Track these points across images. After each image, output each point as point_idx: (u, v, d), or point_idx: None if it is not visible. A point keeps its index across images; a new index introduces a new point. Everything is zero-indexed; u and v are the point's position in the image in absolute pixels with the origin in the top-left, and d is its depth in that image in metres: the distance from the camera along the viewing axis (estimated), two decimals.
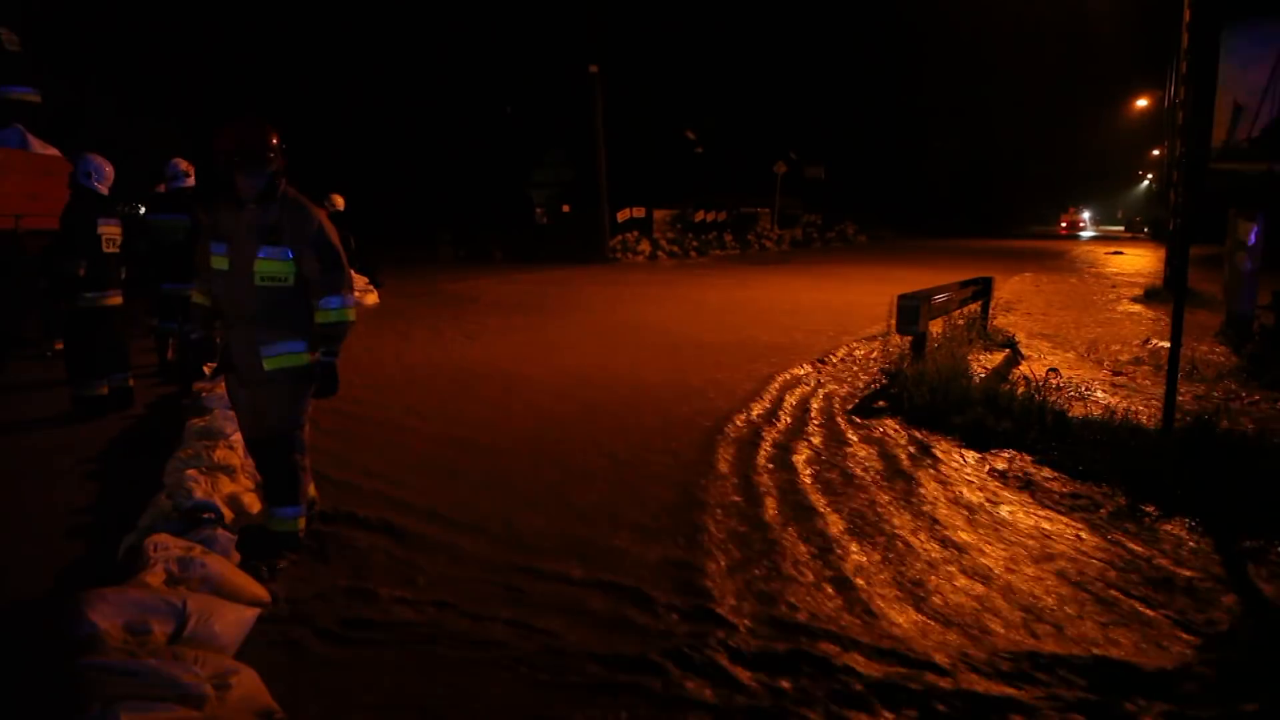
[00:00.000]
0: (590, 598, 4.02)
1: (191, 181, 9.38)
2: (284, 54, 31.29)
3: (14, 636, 3.63)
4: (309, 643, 3.57)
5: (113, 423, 7.22)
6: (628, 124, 33.51)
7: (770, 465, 6.01)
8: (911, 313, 8.32)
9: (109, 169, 7.46)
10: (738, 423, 7.12)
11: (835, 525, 4.92)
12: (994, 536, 4.78)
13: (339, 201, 15.53)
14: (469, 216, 31.52)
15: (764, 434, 6.77)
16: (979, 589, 4.13)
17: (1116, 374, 9.07)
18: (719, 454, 6.25)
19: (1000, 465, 6.00)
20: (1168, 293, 15.49)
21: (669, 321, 13.51)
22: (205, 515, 4.39)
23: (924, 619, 3.83)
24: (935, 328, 9.50)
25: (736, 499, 5.33)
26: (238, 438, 5.61)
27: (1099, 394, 8.06)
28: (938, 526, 4.92)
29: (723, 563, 4.40)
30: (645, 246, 30.46)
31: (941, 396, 7.10)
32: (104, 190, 7.42)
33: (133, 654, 2.74)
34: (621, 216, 30.77)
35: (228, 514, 4.60)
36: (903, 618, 3.83)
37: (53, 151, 8.13)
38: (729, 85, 44.78)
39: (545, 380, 8.86)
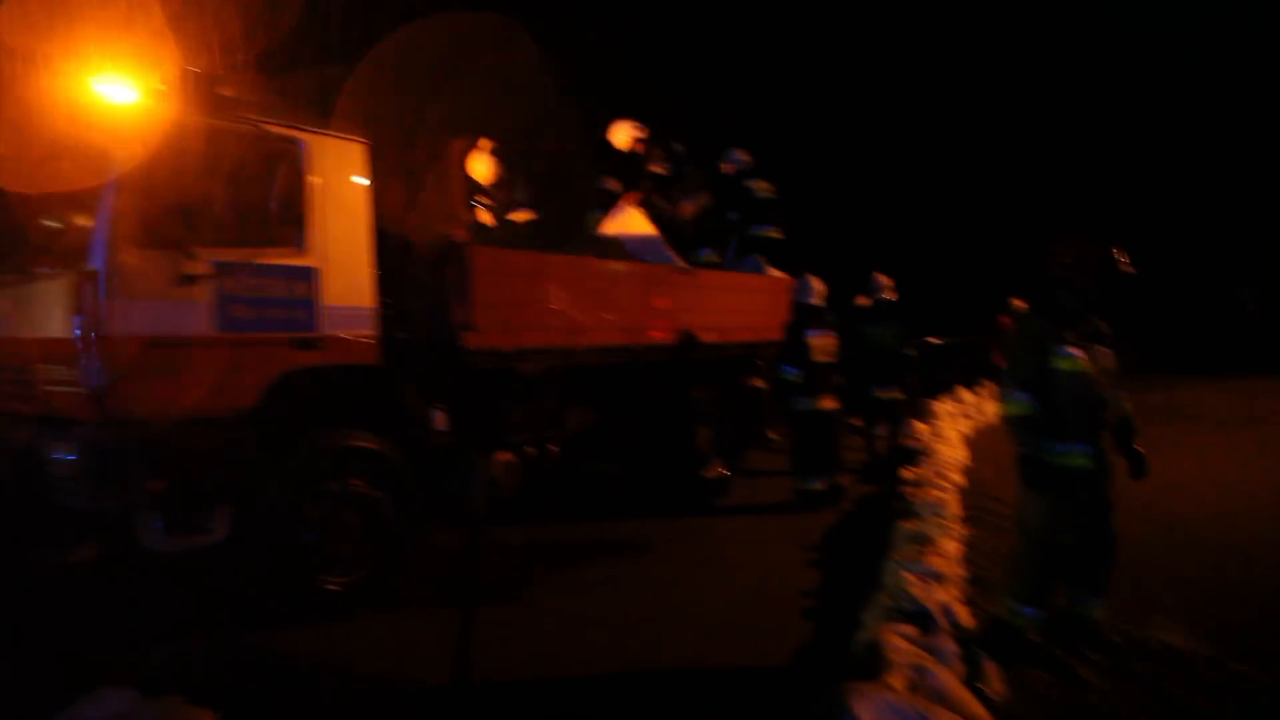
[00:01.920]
0: None
1: (891, 295, 10.18)
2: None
3: (765, 702, 4.11)
4: None
5: (826, 515, 7.93)
6: None
7: None
8: None
9: (818, 285, 8.47)
10: None
11: None
12: None
13: None
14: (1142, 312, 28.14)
15: None
16: None
17: None
18: None
19: None
20: None
21: None
22: (928, 621, 4.47)
23: None
24: None
25: None
26: (947, 545, 5.70)
27: None
28: None
29: None
30: None
31: None
32: (816, 303, 8.40)
33: None
34: None
35: (943, 624, 4.63)
36: None
37: (782, 275, 9.53)
38: None
39: None
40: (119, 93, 4.80)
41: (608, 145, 9.04)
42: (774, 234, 9.45)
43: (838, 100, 28.33)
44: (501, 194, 7.87)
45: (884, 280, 10.45)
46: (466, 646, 3.94)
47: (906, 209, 29.97)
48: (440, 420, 6.02)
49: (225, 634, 4.96)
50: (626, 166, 8.84)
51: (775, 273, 9.49)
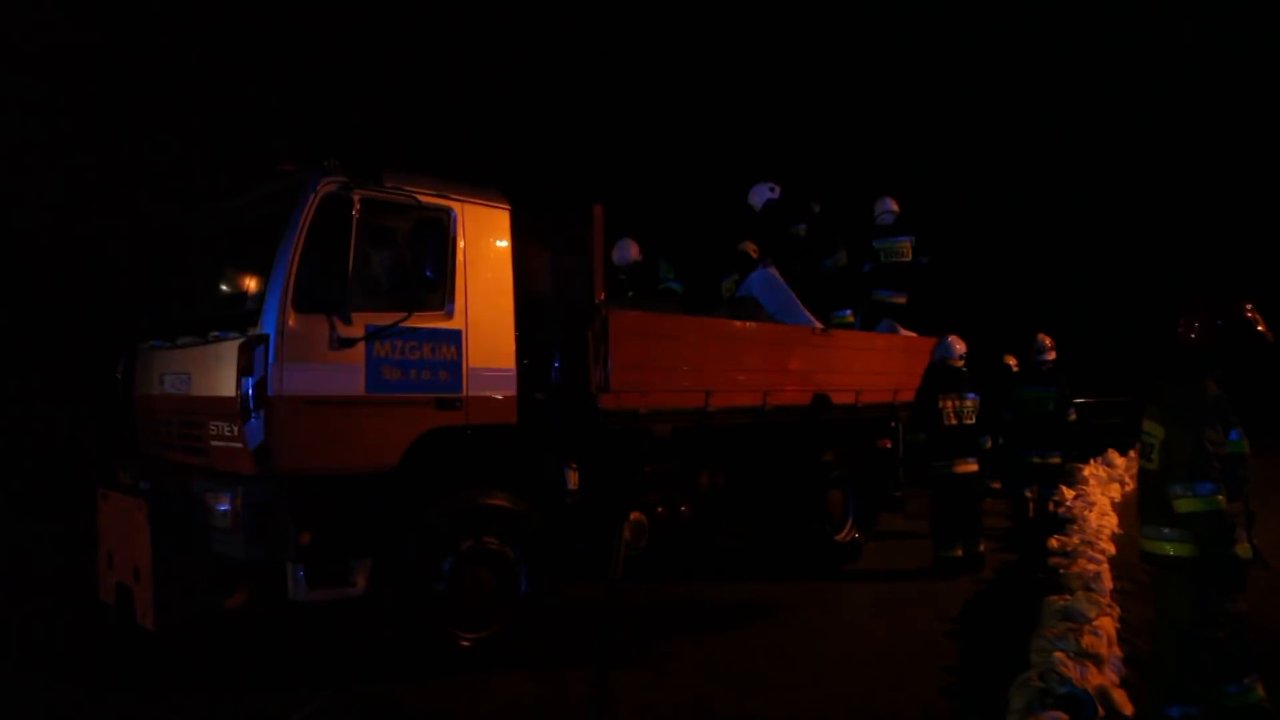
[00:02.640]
0: None
1: (1052, 355, 9.80)
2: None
3: None
4: None
5: (965, 584, 7.60)
6: None
7: None
8: None
9: (960, 346, 8.23)
10: None
11: None
12: None
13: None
14: None
15: None
16: None
17: None
18: None
19: None
20: None
21: None
22: (1084, 707, 4.20)
23: None
24: None
25: None
26: (1102, 623, 5.36)
27: None
28: None
29: None
30: None
31: None
32: (955, 364, 8.15)
33: None
34: None
35: (1099, 710, 4.34)
36: None
37: (912, 334, 9.33)
38: None
39: None
40: (292, 169, 5.17)
41: (746, 206, 9.11)
42: (898, 300, 9.24)
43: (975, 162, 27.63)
44: (647, 274, 8.08)
45: (1046, 341, 10.08)
46: (600, 708, 3.94)
47: (1049, 264, 28.77)
48: (573, 480, 6.11)
49: (363, 686, 5.12)
50: (764, 227, 8.88)
51: (907, 333, 9.28)
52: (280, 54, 14.18)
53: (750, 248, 8.71)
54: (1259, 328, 3.98)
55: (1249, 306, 4.03)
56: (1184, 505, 3.77)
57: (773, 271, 8.21)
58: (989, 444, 8.35)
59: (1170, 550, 3.92)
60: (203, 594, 5.14)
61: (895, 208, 9.40)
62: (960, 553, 7.89)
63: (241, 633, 5.97)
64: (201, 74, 13.59)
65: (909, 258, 9.24)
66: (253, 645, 5.92)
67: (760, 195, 9.00)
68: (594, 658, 4.62)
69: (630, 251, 8.46)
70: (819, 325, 8.08)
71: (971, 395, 8.09)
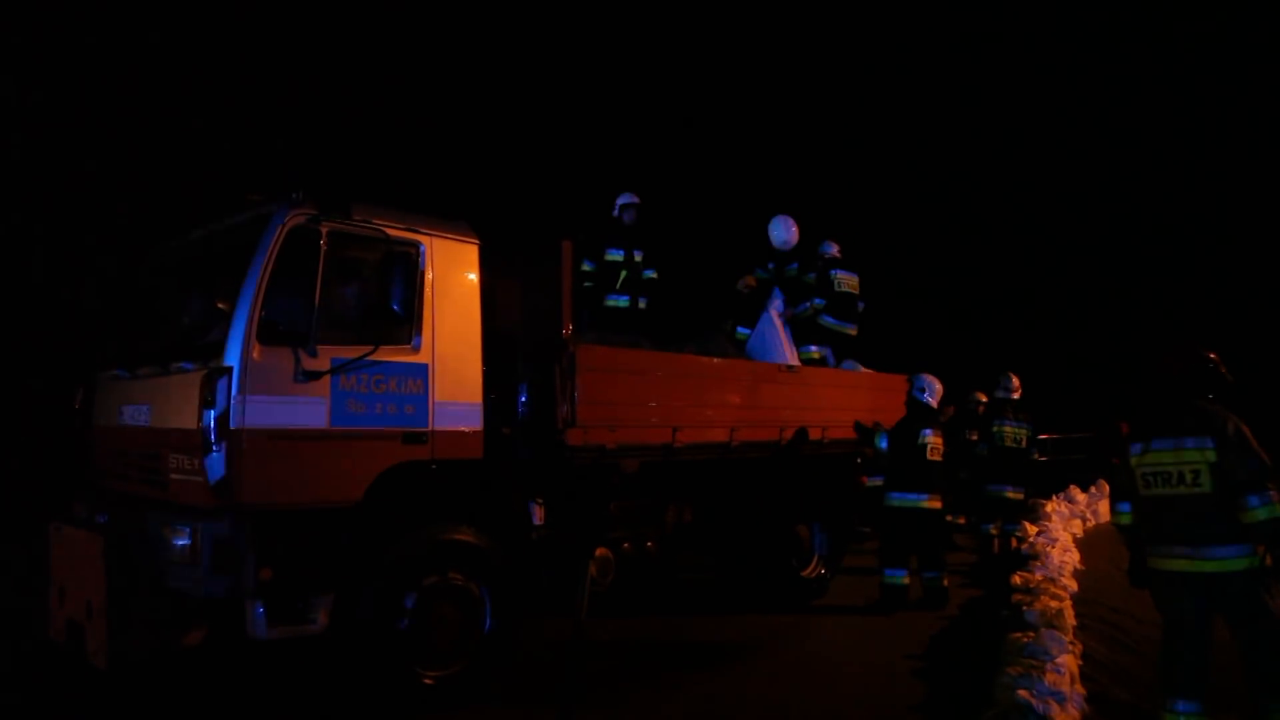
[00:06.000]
0: None
1: (1018, 394, 10.02)
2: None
3: None
4: None
5: (930, 620, 7.62)
6: None
7: None
8: None
9: (939, 385, 8.41)
10: None
11: None
12: None
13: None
14: None
15: None
16: None
17: None
18: None
19: None
20: None
21: None
22: None
23: None
24: None
25: None
26: (1065, 661, 5.40)
27: None
28: None
29: None
30: None
31: None
32: (933, 403, 8.31)
33: None
34: None
35: None
36: None
37: (873, 373, 9.44)
38: None
39: None
40: (259, 200, 5.13)
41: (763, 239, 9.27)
42: (850, 331, 9.32)
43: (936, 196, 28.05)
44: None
45: (1015, 379, 10.25)
46: None
47: (1011, 301, 29.17)
48: (540, 515, 6.06)
49: None
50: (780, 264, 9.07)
51: (866, 371, 9.38)
52: (246, 79, 14.14)
53: (751, 282, 8.87)
54: (1221, 368, 4.45)
55: (1212, 350, 4.48)
56: (1261, 514, 3.95)
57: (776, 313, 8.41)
58: (965, 477, 8.49)
59: (1245, 564, 4.04)
60: (158, 631, 4.98)
61: (836, 250, 9.53)
62: (906, 581, 7.99)
63: (198, 672, 5.82)
64: (164, 98, 13.47)
65: (858, 292, 9.34)
66: (210, 685, 5.77)
67: (784, 233, 9.21)
68: (559, 697, 4.57)
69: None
70: (792, 361, 8.15)
71: (940, 431, 8.28)
